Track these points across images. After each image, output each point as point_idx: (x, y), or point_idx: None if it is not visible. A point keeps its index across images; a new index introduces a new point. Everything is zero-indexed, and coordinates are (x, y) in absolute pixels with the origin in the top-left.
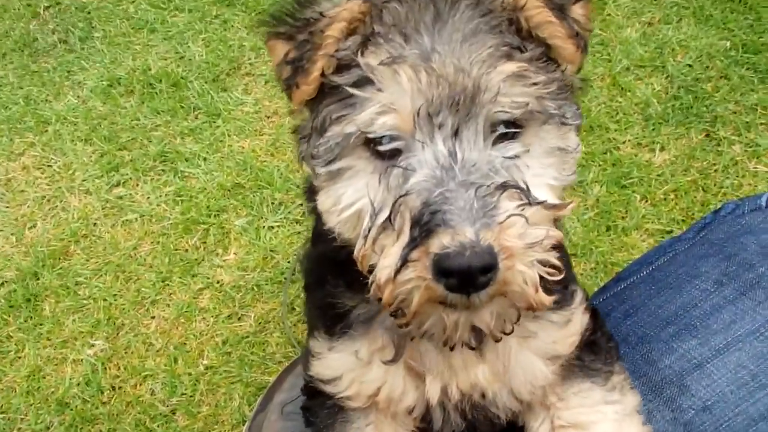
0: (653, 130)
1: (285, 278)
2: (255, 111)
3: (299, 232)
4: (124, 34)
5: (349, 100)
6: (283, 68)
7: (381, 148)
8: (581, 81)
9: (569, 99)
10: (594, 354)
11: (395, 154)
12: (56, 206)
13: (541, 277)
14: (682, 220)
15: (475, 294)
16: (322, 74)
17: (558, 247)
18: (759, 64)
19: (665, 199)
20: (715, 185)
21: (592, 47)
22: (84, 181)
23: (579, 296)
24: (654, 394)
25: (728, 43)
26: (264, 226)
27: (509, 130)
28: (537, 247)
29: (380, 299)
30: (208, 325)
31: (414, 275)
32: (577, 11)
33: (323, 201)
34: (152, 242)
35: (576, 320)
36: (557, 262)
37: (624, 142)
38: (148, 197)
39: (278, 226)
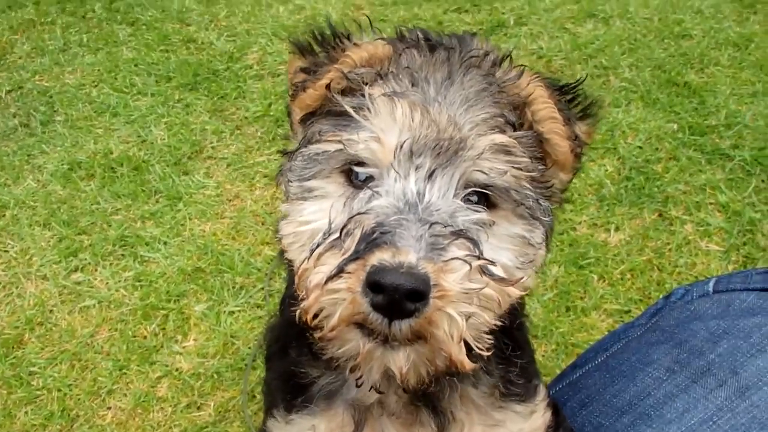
0: (608, 210)
1: (246, 365)
2: (216, 194)
3: (260, 317)
4: (86, 118)
5: (341, 124)
6: (296, 76)
7: (358, 169)
8: (562, 198)
9: (545, 196)
10: None
11: (368, 182)
12: (11, 293)
13: (468, 346)
14: (640, 300)
15: (397, 321)
16: (329, 89)
17: (520, 345)
18: (705, 145)
19: (622, 278)
20: (669, 264)
21: None
22: (41, 266)
23: (542, 392)
24: None
25: (675, 126)
26: (225, 311)
27: (482, 192)
28: (473, 299)
29: (303, 311)
30: (165, 416)
31: (345, 286)
32: (580, 126)
33: (287, 218)
34: (110, 329)
35: (539, 414)
36: (490, 326)
37: (580, 223)
38: (107, 282)
39: (239, 311)
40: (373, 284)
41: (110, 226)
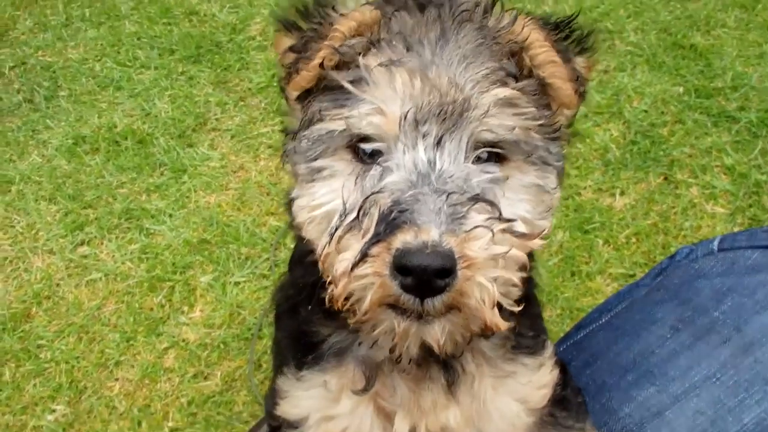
0: (613, 175)
1: (252, 335)
2: (221, 166)
3: (266, 287)
4: (90, 93)
5: (341, 100)
6: (286, 56)
7: (364, 146)
8: (571, 134)
9: (555, 141)
10: (566, 410)
11: (376, 156)
12: (18, 267)
13: (500, 305)
14: (645, 264)
15: (429, 299)
16: (322, 67)
17: (528, 299)
18: (711, 108)
19: (627, 242)
20: (675, 228)
21: None
22: (47, 240)
23: (550, 347)
24: None
25: (681, 89)
26: (230, 282)
27: (492, 150)
28: (499, 262)
29: (333, 299)
30: (173, 386)
31: (371, 270)
32: (579, 62)
33: (299, 201)
34: (117, 301)
35: (547, 369)
36: (518, 282)
37: (585, 188)
38: (113, 255)
39: (245, 282)
40: (401, 268)
41: (115, 199)
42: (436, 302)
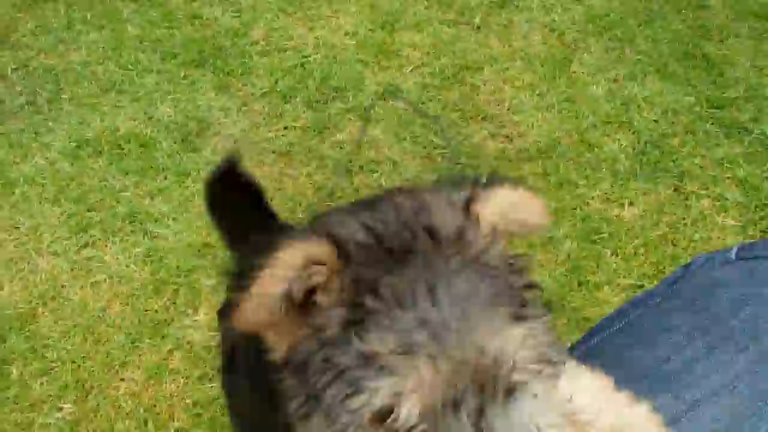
0: (622, 185)
1: None
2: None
3: None
4: (92, 96)
5: (349, 378)
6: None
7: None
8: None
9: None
10: None
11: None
12: (23, 268)
13: None
14: (653, 275)
15: None
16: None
17: None
18: (723, 119)
19: (635, 253)
20: (684, 239)
21: (560, 104)
22: (52, 242)
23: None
24: None
25: (692, 99)
26: None
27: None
28: None
29: None
30: (178, 387)
31: None
32: None
33: None
34: (121, 303)
35: None
36: None
37: (593, 198)
38: (117, 258)
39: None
40: None
41: (119, 202)
42: None
